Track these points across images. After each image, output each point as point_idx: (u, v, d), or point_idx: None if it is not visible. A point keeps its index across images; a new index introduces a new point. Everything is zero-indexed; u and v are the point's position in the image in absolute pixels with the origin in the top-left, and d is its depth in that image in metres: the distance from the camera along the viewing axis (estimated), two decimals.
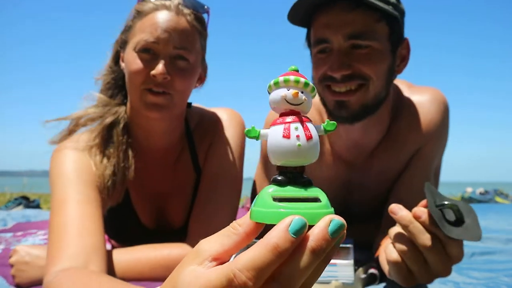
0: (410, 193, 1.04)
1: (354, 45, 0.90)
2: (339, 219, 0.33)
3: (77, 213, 0.82)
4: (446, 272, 0.66)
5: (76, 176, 0.89)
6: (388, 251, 0.70)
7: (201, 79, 1.04)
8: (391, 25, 0.92)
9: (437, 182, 1.14)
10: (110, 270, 0.85)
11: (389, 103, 1.02)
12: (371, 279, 0.87)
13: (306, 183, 0.36)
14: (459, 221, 0.65)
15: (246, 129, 0.38)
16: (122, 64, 0.98)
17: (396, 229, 0.70)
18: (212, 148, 1.06)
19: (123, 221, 1.05)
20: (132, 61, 0.92)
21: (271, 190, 0.36)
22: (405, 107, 1.05)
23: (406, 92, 1.08)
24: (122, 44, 0.98)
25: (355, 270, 0.83)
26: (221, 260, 0.34)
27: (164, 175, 1.06)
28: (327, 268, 0.78)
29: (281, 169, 0.37)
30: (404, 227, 0.65)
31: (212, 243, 0.35)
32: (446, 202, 0.65)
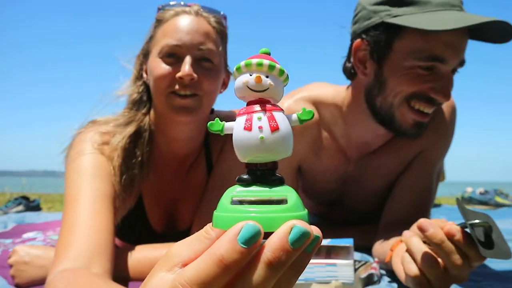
0: (411, 195, 1.04)
1: (454, 71, 0.90)
2: (302, 226, 0.27)
3: (88, 210, 0.82)
4: (465, 280, 0.65)
5: (92, 170, 0.89)
6: (407, 264, 0.68)
7: (225, 84, 1.04)
8: None
9: (437, 182, 1.14)
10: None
11: None
12: (371, 279, 0.87)
13: (276, 182, 0.31)
14: (488, 238, 0.63)
15: (209, 122, 0.34)
16: (145, 76, 0.98)
17: (416, 241, 0.67)
18: (225, 148, 1.06)
19: (133, 225, 1.04)
20: (156, 66, 0.92)
21: (236, 190, 0.32)
22: None
23: None
24: (144, 55, 0.98)
25: (355, 270, 0.83)
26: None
27: (178, 180, 1.06)
28: (327, 268, 0.79)
29: (250, 167, 0.32)
30: (435, 245, 0.63)
31: (184, 248, 0.31)
32: (477, 221, 0.62)
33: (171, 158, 1.04)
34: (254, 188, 0.31)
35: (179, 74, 0.89)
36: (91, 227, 0.80)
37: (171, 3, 0.97)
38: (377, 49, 0.92)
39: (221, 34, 0.97)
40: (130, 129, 0.95)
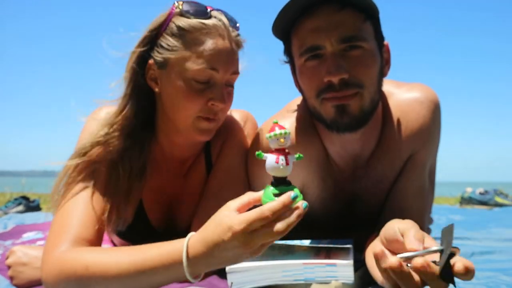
0: (406, 201, 1.02)
1: (348, 47, 0.87)
2: (304, 202, 0.65)
3: (84, 201, 0.88)
4: None
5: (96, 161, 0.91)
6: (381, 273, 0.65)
7: None
8: (375, 24, 0.91)
9: (433, 181, 1.12)
10: None
11: (379, 107, 0.99)
12: (370, 279, 0.87)
13: (288, 183, 0.68)
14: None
15: (257, 152, 0.67)
16: (153, 84, 0.95)
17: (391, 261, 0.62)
18: (224, 147, 1.06)
19: (134, 223, 1.04)
20: (186, 89, 0.89)
21: (271, 188, 0.68)
22: (395, 110, 1.02)
23: (395, 92, 1.04)
24: (160, 64, 0.92)
25: (355, 270, 0.83)
26: (240, 211, 0.66)
27: (178, 180, 1.06)
28: (327, 268, 0.79)
29: (275, 178, 0.68)
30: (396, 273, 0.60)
31: (236, 202, 0.68)
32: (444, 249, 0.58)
33: (172, 159, 1.04)
34: (280, 187, 0.67)
35: (215, 103, 0.90)
36: (88, 216, 0.85)
37: (190, 4, 0.92)
38: (290, 63, 0.98)
39: (241, 49, 0.97)
40: (130, 144, 0.94)
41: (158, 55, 0.92)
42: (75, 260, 0.75)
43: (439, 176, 1.12)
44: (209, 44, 0.89)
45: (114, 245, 1.14)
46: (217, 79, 0.90)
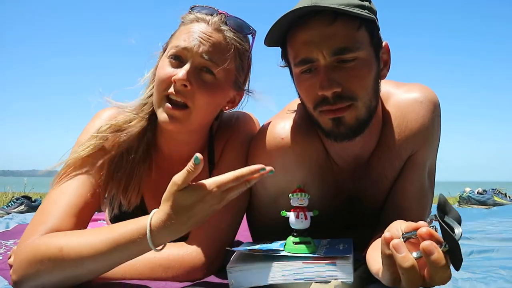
0: (406, 200, 1.02)
1: (341, 59, 0.86)
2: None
3: (71, 191, 0.90)
4: (448, 280, 0.64)
5: (89, 157, 0.95)
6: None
7: (233, 103, 1.04)
8: (371, 29, 0.89)
9: (433, 181, 1.12)
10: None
11: (379, 109, 1.00)
12: (369, 278, 0.87)
13: (306, 235, 0.85)
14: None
15: (282, 212, 0.86)
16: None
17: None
18: (226, 147, 1.07)
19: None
20: (161, 67, 0.94)
21: (292, 238, 0.85)
22: (394, 110, 1.02)
23: (394, 92, 1.04)
24: (164, 51, 0.99)
25: (355, 270, 0.84)
26: None
27: None
28: (327, 267, 0.80)
29: (296, 230, 0.86)
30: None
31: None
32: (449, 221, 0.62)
33: (173, 159, 1.04)
34: (299, 237, 0.86)
35: (174, 77, 0.90)
36: (68, 209, 0.86)
37: (200, 7, 0.97)
38: (288, 67, 0.97)
39: (238, 51, 0.96)
40: (136, 129, 0.98)
41: (164, 46, 1.01)
42: (48, 243, 0.76)
43: (438, 176, 1.13)
44: (189, 26, 0.94)
45: None
46: (187, 58, 0.91)
